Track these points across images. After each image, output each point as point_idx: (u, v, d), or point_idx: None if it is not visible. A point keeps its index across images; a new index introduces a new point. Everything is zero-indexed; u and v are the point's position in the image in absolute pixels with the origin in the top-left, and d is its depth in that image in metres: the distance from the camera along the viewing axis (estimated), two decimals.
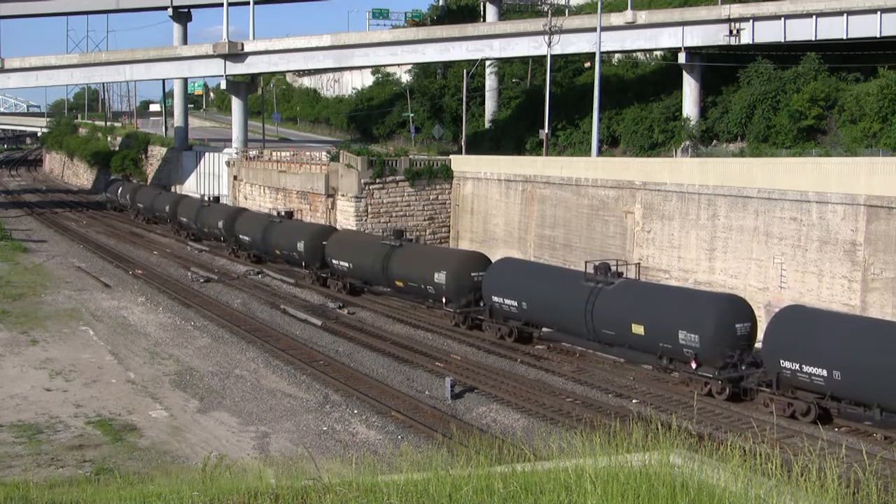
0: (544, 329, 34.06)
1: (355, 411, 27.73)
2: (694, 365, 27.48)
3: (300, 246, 48.76)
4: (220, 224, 60.25)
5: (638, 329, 29.06)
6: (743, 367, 26.74)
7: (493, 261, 38.84)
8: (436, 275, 38.17)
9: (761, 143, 47.50)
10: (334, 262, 45.68)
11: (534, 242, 47.85)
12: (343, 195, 54.17)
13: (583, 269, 32.76)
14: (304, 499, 9.57)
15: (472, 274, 37.32)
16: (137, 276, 51.89)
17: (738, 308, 27.84)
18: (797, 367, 24.59)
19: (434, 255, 41.30)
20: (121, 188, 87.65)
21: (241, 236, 57.10)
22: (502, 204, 50.51)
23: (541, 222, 47.42)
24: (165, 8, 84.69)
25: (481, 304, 36.75)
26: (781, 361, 25.01)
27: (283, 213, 55.44)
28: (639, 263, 37.63)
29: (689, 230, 37.94)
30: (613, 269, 32.11)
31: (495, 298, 35.24)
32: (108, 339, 37.17)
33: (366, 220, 52.29)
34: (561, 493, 8.28)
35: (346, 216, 53.63)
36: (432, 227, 54.00)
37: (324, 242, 47.21)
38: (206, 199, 68.55)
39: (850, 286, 30.91)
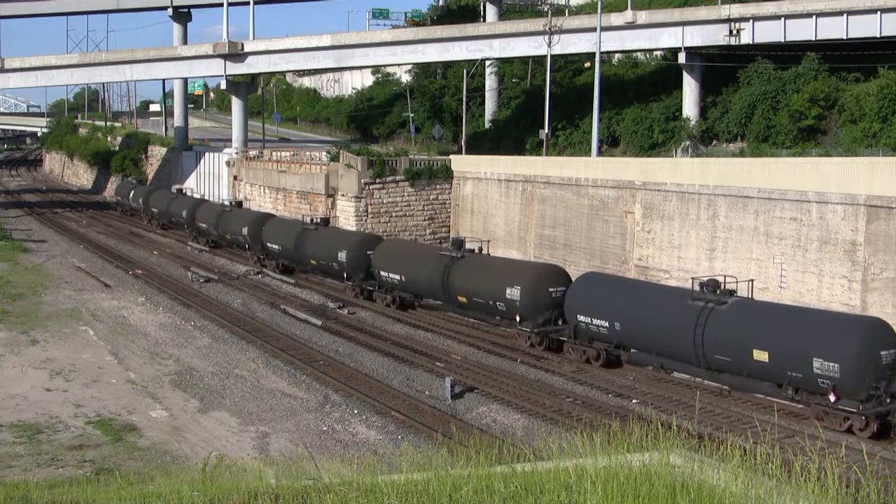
0: (632, 350, 30.49)
1: (355, 411, 27.73)
2: (832, 398, 24.28)
3: (341, 256, 44.69)
4: (245, 231, 55.83)
5: (761, 356, 25.68)
6: (888, 400, 23.74)
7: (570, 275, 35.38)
8: (508, 290, 34.37)
9: (761, 143, 47.48)
10: (382, 273, 41.98)
11: (534, 242, 47.84)
12: (343, 195, 54.17)
13: (687, 286, 29.70)
14: (304, 499, 9.57)
15: (550, 289, 33.77)
16: (137, 276, 51.89)
17: (882, 332, 24.67)
18: None
19: (505, 267, 37.15)
20: (133, 191, 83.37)
21: (268, 245, 52.66)
22: (502, 204, 50.50)
23: (541, 222, 47.41)
24: (165, 8, 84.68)
25: (559, 322, 33.35)
26: None
27: (318, 220, 50.77)
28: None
29: (689, 230, 37.94)
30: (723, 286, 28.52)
31: (581, 318, 31.56)
32: (108, 339, 37.17)
33: (366, 220, 52.28)
34: (561, 493, 8.29)
35: (346, 216, 53.62)
36: (432, 227, 54.00)
37: (369, 252, 43.60)
38: (228, 203, 63.50)
39: (850, 286, 30.90)
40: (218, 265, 56.63)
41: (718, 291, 27.94)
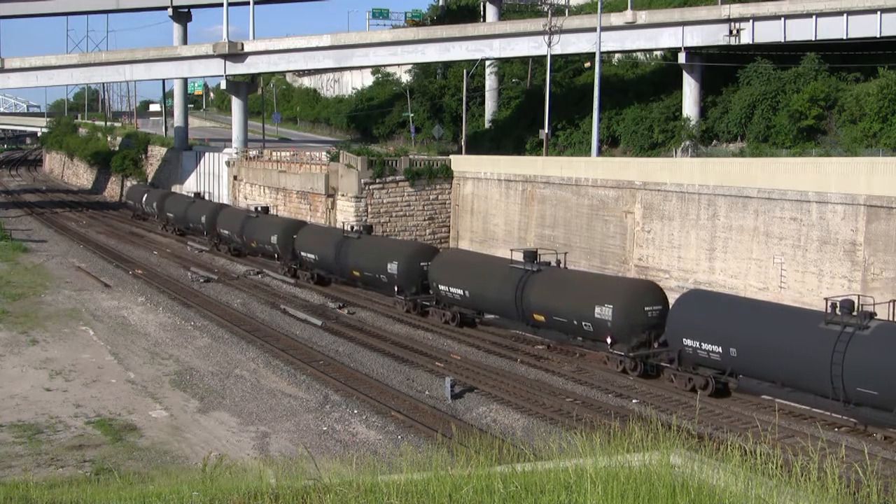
0: (741, 376, 27.22)
1: (355, 411, 27.74)
2: None
3: (391, 268, 41.47)
4: (274, 239, 51.87)
5: None
6: None
7: (663, 291, 32.18)
8: (597, 309, 30.83)
9: (761, 143, 47.48)
10: (441, 288, 38.56)
11: (534, 242, 47.79)
12: (343, 195, 54.17)
13: (818, 308, 26.44)
14: (304, 499, 9.57)
15: (647, 308, 30.51)
16: (137, 276, 51.90)
17: None
18: None
19: (592, 283, 33.53)
20: (145, 194, 79.45)
21: (303, 254, 49.11)
22: (502, 204, 50.50)
23: (541, 222, 47.41)
24: (165, 8, 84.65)
25: (655, 345, 30.08)
26: None
27: (362, 228, 47.26)
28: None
29: (689, 230, 37.94)
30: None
31: (688, 342, 27.89)
32: (108, 339, 37.17)
33: (366, 221, 52.26)
34: (561, 493, 8.28)
35: (346, 216, 53.61)
36: (432, 227, 54.01)
37: (423, 264, 40.65)
38: (254, 209, 58.98)
39: (850, 286, 30.89)
40: (218, 265, 56.62)
41: (856, 313, 24.58)
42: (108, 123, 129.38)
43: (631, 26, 54.76)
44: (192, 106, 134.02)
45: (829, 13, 47.35)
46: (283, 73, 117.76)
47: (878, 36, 45.56)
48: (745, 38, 50.76)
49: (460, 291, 37.70)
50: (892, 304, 25.15)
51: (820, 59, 47.54)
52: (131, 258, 59.13)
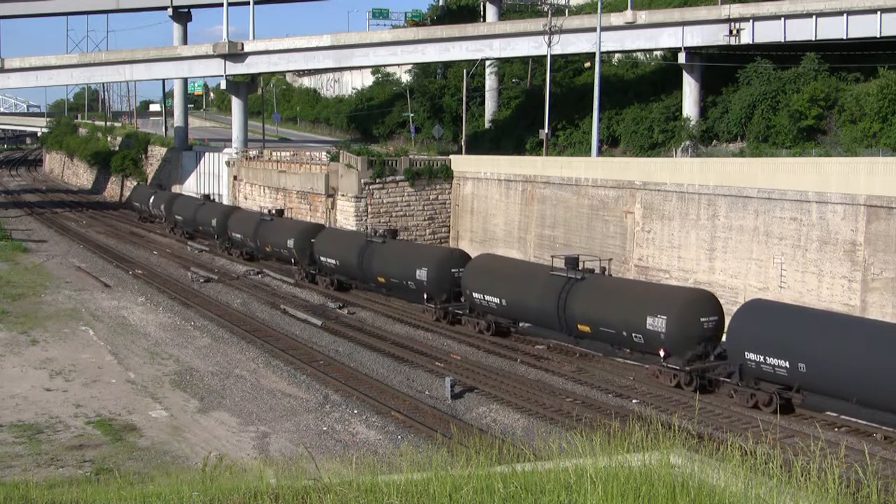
0: (806, 393, 25.33)
1: (355, 411, 27.74)
2: None
3: (420, 274, 39.79)
4: (290, 243, 50.15)
5: None
6: None
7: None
8: (649, 320, 28.99)
9: (761, 143, 47.50)
10: (475, 296, 36.73)
11: (534, 242, 47.85)
12: (343, 195, 54.18)
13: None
14: (305, 499, 9.57)
15: (702, 319, 28.92)
16: (137, 276, 51.90)
17: None
18: None
19: (643, 292, 31.36)
20: (153, 197, 77.88)
21: (322, 259, 47.41)
22: (502, 204, 50.52)
23: (541, 222, 47.42)
24: (165, 8, 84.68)
25: (711, 358, 28.58)
26: None
27: (386, 233, 45.23)
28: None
29: (689, 230, 37.94)
30: None
31: (751, 356, 26.03)
32: (108, 339, 37.17)
33: (366, 221, 52.28)
34: (561, 493, 8.28)
35: (346, 216, 53.64)
36: (432, 227, 54.03)
37: (453, 270, 38.89)
38: (267, 211, 57.33)
39: (850, 286, 30.91)
40: (218, 265, 56.63)
41: None
42: (108, 123, 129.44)
43: (631, 26, 54.79)
44: (192, 106, 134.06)
45: (829, 13, 47.37)
46: (283, 73, 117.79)
47: (878, 36, 45.59)
48: (745, 38, 50.79)
49: (496, 300, 35.75)
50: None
51: (820, 59, 47.56)
52: (131, 258, 59.15)
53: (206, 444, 24.26)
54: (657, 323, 28.84)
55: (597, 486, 8.16)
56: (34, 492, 12.27)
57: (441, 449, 11.26)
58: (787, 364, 25.08)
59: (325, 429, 26.43)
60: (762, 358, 25.73)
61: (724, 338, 29.00)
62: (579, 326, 32.14)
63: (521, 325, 36.12)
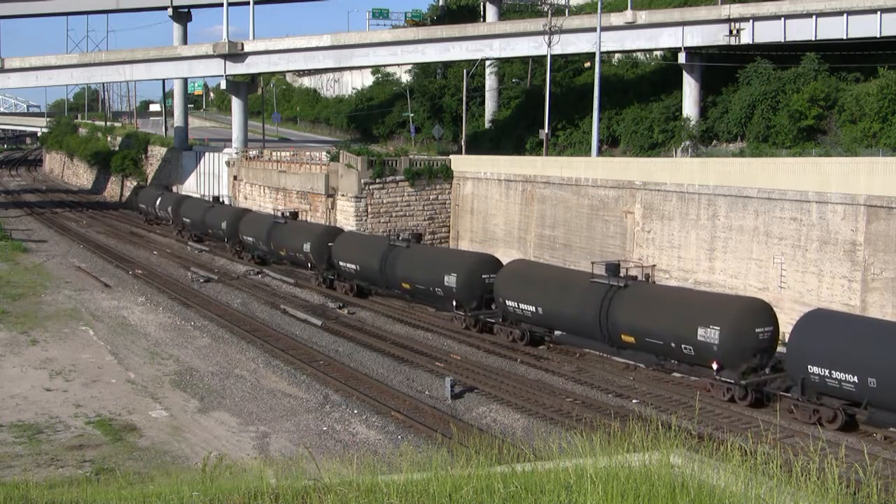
0: (871, 408, 23.83)
1: (355, 411, 27.74)
2: None
3: (449, 280, 38.29)
4: (307, 247, 48.15)
5: None
6: None
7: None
8: (700, 330, 27.49)
9: (761, 143, 47.50)
10: (509, 303, 35.21)
11: (534, 242, 47.86)
12: (343, 195, 54.19)
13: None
14: (305, 499, 9.57)
15: (758, 330, 27.37)
16: (137, 276, 51.90)
17: None
18: None
19: (693, 302, 29.51)
20: (160, 198, 75.79)
21: (341, 264, 45.57)
22: (502, 204, 50.52)
23: (541, 222, 47.43)
24: (165, 8, 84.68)
25: (766, 370, 27.19)
26: None
27: (410, 237, 43.64)
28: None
29: (689, 230, 37.95)
30: None
31: (815, 369, 24.48)
32: (108, 339, 37.18)
33: (366, 221, 52.28)
34: (561, 493, 8.28)
35: (345, 216, 53.64)
36: (432, 227, 54.03)
37: (484, 276, 37.63)
38: (281, 214, 55.34)
39: (850, 286, 30.92)
40: (218, 265, 56.63)
41: None
42: (108, 123, 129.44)
43: (631, 26, 54.79)
44: (192, 106, 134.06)
45: (829, 13, 47.38)
46: (283, 73, 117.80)
47: (878, 36, 45.59)
48: (745, 38, 50.79)
49: (532, 308, 34.05)
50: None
51: (820, 59, 47.56)
52: (131, 258, 59.14)
53: (206, 444, 24.26)
54: (709, 334, 27.30)
55: (597, 486, 8.16)
56: (34, 492, 12.27)
57: (441, 449, 11.27)
58: (856, 379, 23.55)
59: (325, 429, 26.44)
60: (827, 372, 24.19)
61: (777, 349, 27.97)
62: (623, 337, 30.50)
63: (555, 333, 34.48)
